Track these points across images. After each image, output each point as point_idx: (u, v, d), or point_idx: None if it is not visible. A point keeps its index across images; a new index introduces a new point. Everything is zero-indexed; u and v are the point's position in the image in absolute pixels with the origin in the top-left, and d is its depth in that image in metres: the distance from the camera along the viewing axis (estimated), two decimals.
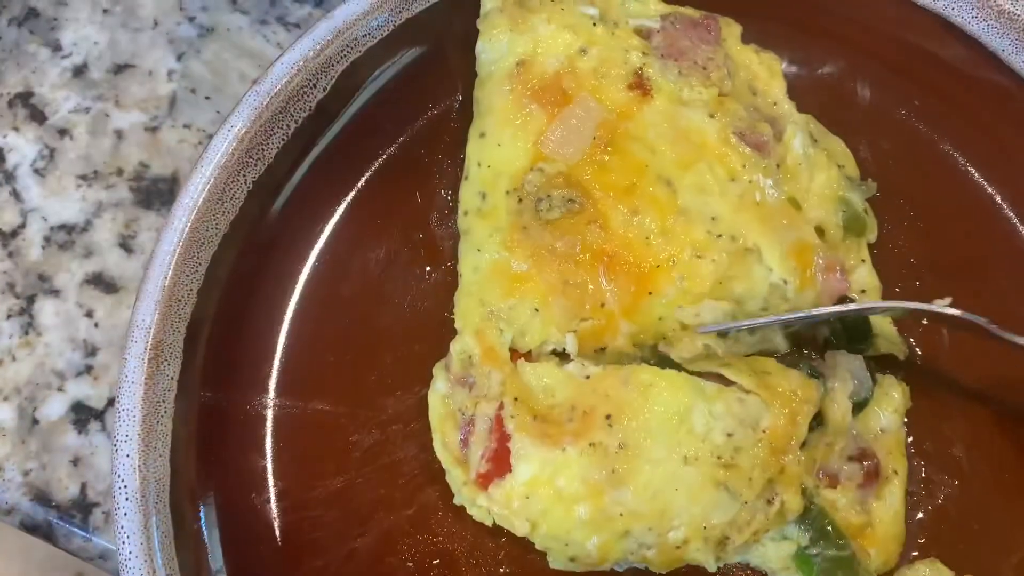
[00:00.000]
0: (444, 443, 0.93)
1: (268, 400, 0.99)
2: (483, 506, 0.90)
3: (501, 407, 0.88)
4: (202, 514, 0.93)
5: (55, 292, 1.07)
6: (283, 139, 0.99)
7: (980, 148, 1.05)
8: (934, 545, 0.97)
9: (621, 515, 0.85)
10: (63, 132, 1.12)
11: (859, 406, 0.94)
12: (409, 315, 1.02)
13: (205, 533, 0.93)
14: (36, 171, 1.11)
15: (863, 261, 1.02)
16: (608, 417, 0.86)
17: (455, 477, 0.92)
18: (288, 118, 0.98)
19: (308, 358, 1.00)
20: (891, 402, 0.96)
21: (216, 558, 0.93)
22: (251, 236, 0.99)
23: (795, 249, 0.95)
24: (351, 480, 0.98)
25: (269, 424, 0.98)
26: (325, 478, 0.98)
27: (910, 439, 0.99)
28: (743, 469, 0.85)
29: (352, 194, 1.04)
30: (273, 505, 0.97)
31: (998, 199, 1.05)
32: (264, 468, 0.97)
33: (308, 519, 0.97)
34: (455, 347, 0.93)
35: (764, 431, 0.86)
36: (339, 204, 1.04)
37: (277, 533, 0.96)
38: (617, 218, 0.93)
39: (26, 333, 1.06)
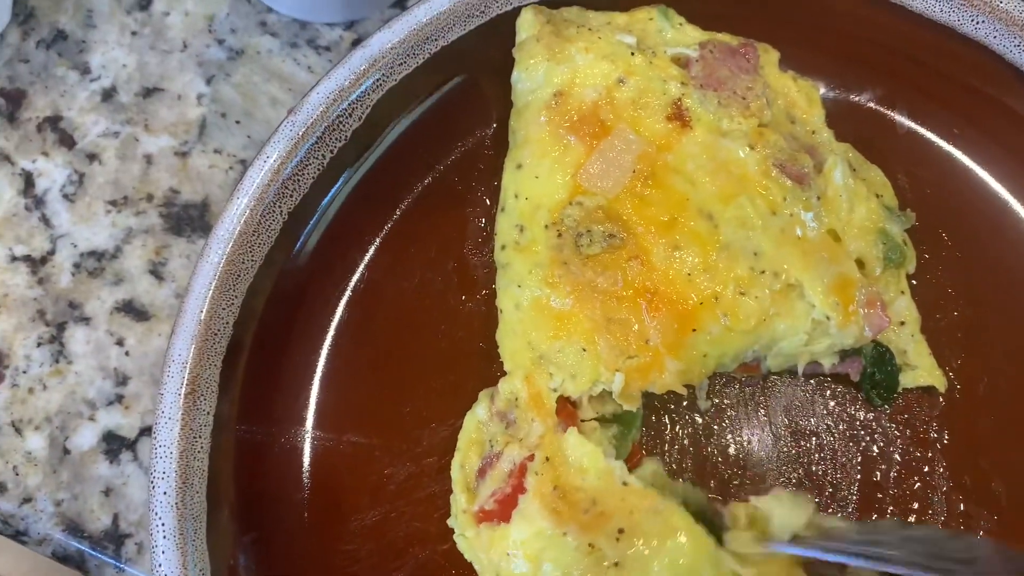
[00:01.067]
0: (462, 465, 0.92)
1: (304, 432, 0.98)
2: (468, 538, 0.89)
3: (531, 458, 0.86)
4: (239, 550, 0.93)
5: (85, 319, 1.07)
6: (319, 169, 0.98)
7: (1020, 179, 1.04)
8: None
9: None
10: (92, 156, 1.11)
11: None
12: (443, 345, 1.02)
13: (242, 570, 0.92)
14: (66, 196, 1.10)
15: (902, 293, 1.01)
16: (620, 531, 0.83)
17: (458, 501, 0.91)
18: (324, 148, 0.97)
19: (343, 389, 1.00)
20: None
21: None
22: (287, 267, 0.98)
23: (837, 284, 0.93)
24: (386, 514, 0.97)
25: (305, 456, 0.98)
26: (360, 511, 0.97)
27: (947, 473, 0.99)
28: None
29: (388, 224, 1.03)
30: (309, 539, 0.96)
31: None
32: (300, 500, 0.97)
33: (343, 553, 0.96)
34: (503, 386, 0.91)
35: None
36: (375, 235, 1.03)
37: (313, 568, 0.95)
38: (658, 253, 0.92)
39: (56, 361, 1.05)
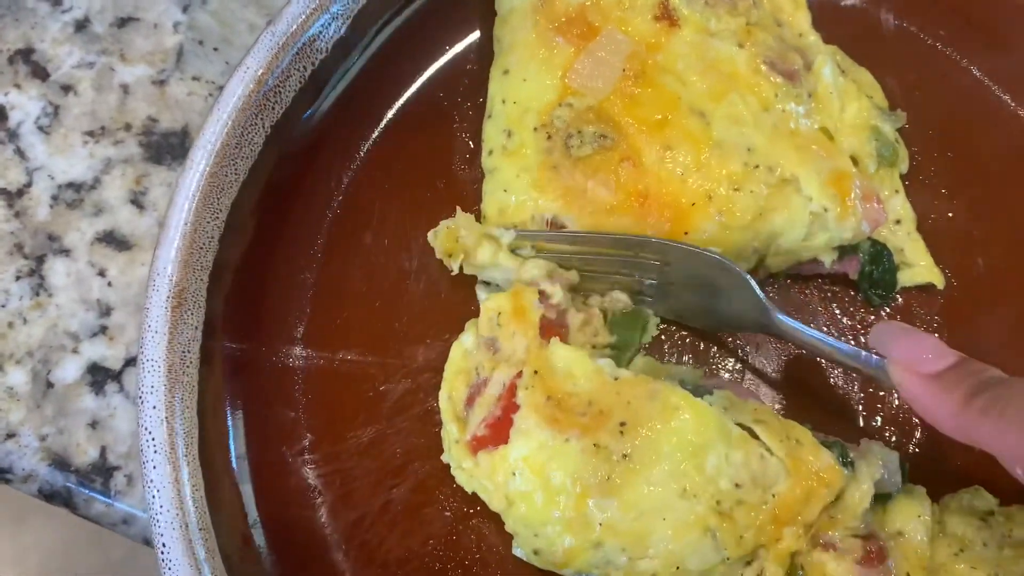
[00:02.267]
0: (450, 395, 0.90)
1: (295, 350, 0.96)
2: (467, 469, 0.87)
3: (519, 375, 0.84)
4: (234, 467, 0.90)
5: (65, 252, 1.04)
6: (300, 82, 0.95)
7: (1011, 74, 1.04)
8: (980, 477, 0.95)
9: (600, 525, 0.80)
10: (67, 88, 1.08)
11: (881, 499, 0.88)
12: (435, 262, 0.99)
13: (237, 487, 0.90)
14: (40, 129, 1.07)
15: (896, 192, 1.00)
16: (622, 424, 0.81)
17: (449, 432, 0.89)
18: (304, 60, 0.95)
19: (334, 308, 0.97)
20: (916, 509, 0.88)
21: (251, 512, 0.90)
22: (270, 183, 0.95)
23: (833, 177, 0.92)
24: (383, 431, 0.95)
25: (297, 375, 0.95)
26: (356, 429, 0.95)
27: None
28: (738, 524, 0.80)
29: (371, 140, 1.01)
30: (305, 458, 0.94)
31: None
32: (294, 420, 0.94)
33: (341, 472, 0.94)
34: (487, 304, 0.89)
35: (774, 496, 0.81)
36: (359, 150, 1.01)
37: (311, 486, 0.93)
38: (651, 154, 0.90)
39: (36, 295, 1.02)
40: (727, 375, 0.98)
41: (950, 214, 1.02)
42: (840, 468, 0.84)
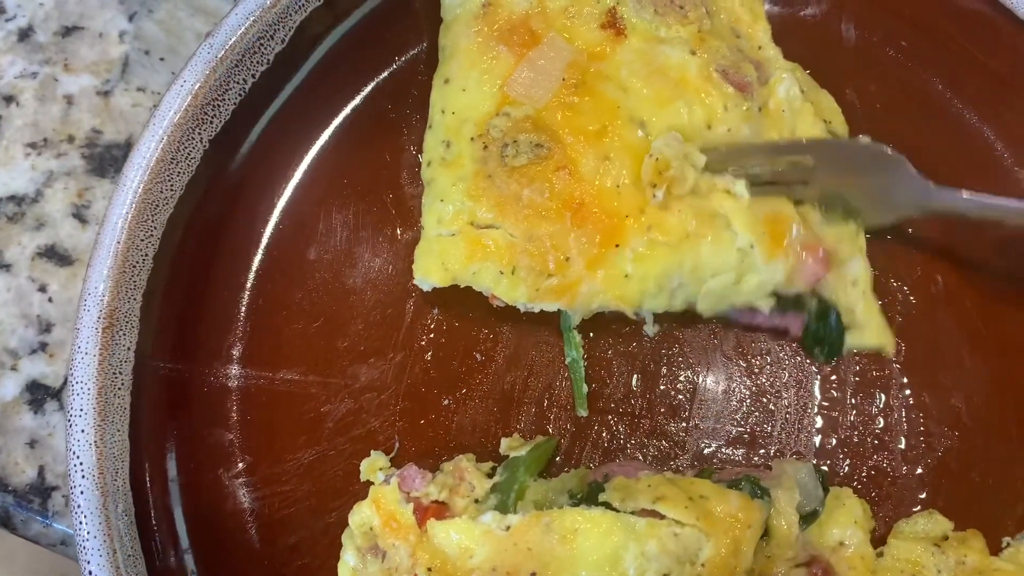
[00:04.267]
0: None
1: (233, 370, 0.94)
2: None
3: None
4: (167, 491, 0.88)
5: (5, 266, 1.02)
6: (240, 94, 0.93)
7: (972, 87, 1.01)
8: (935, 500, 0.94)
9: None
10: (9, 99, 1.06)
11: (809, 518, 0.87)
12: (380, 279, 0.98)
13: (170, 511, 0.88)
14: None
15: (860, 251, 0.96)
16: (533, 574, 0.79)
17: None
18: (244, 72, 0.93)
19: (274, 326, 0.95)
20: (849, 514, 0.88)
21: (183, 537, 0.88)
22: (209, 198, 0.93)
23: (769, 216, 0.89)
24: (323, 452, 0.93)
25: (235, 396, 0.93)
26: (296, 451, 0.93)
27: (908, 392, 0.96)
28: None
29: (315, 151, 0.99)
30: (242, 480, 0.92)
31: (991, 138, 1.01)
32: (231, 442, 0.92)
33: (280, 494, 0.92)
34: (353, 519, 0.86)
35: (703, 565, 0.79)
36: (301, 162, 0.99)
37: (248, 510, 0.91)
38: (587, 164, 0.88)
39: None
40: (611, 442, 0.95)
41: (909, 230, 1.00)
42: (755, 501, 0.82)
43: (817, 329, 0.95)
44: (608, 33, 0.91)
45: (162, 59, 1.08)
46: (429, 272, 0.87)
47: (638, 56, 0.91)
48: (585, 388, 0.95)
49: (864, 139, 0.92)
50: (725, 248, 0.87)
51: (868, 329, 0.96)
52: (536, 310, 0.90)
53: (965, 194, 0.89)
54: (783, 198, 0.91)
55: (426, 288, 0.92)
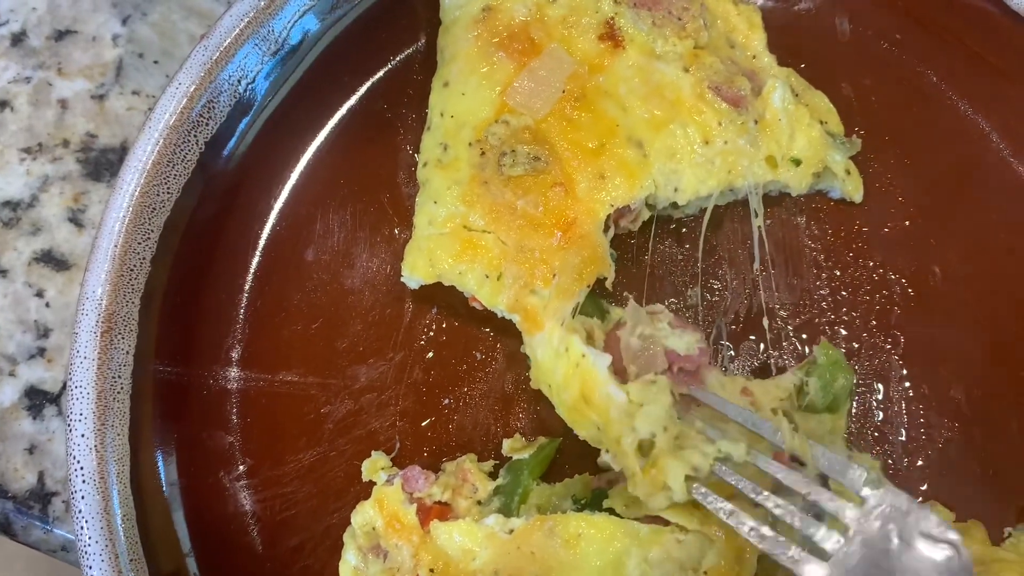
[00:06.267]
0: None
1: (232, 373, 0.94)
2: None
3: None
4: (167, 495, 0.88)
5: (2, 272, 1.01)
6: (235, 96, 0.93)
7: (967, 79, 1.02)
8: (936, 491, 0.93)
9: None
10: (3, 104, 1.06)
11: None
12: (379, 279, 0.97)
13: (171, 515, 0.88)
14: None
15: (840, 430, 0.92)
16: None
17: None
18: (240, 73, 0.93)
19: (273, 328, 0.95)
20: None
21: (184, 541, 0.88)
22: (206, 200, 0.93)
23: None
24: (324, 453, 0.93)
25: (235, 398, 0.93)
26: (297, 452, 0.93)
27: (907, 384, 0.96)
28: None
29: (311, 152, 0.99)
30: (243, 483, 0.91)
31: (987, 130, 1.01)
32: (231, 445, 0.92)
33: (281, 496, 0.91)
34: (356, 519, 0.86)
35: (706, 572, 0.79)
36: (297, 163, 0.98)
37: (249, 512, 0.91)
38: (583, 182, 0.88)
39: None
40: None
41: (907, 222, 1.00)
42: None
43: None
44: (606, 45, 0.92)
45: (156, 62, 1.07)
46: (415, 269, 0.87)
47: (636, 72, 0.91)
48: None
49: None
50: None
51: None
52: (515, 321, 0.89)
53: None
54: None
55: (413, 286, 0.92)
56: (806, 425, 0.88)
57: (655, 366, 0.84)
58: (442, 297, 0.94)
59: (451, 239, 0.87)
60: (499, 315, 0.90)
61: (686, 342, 0.87)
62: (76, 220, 1.03)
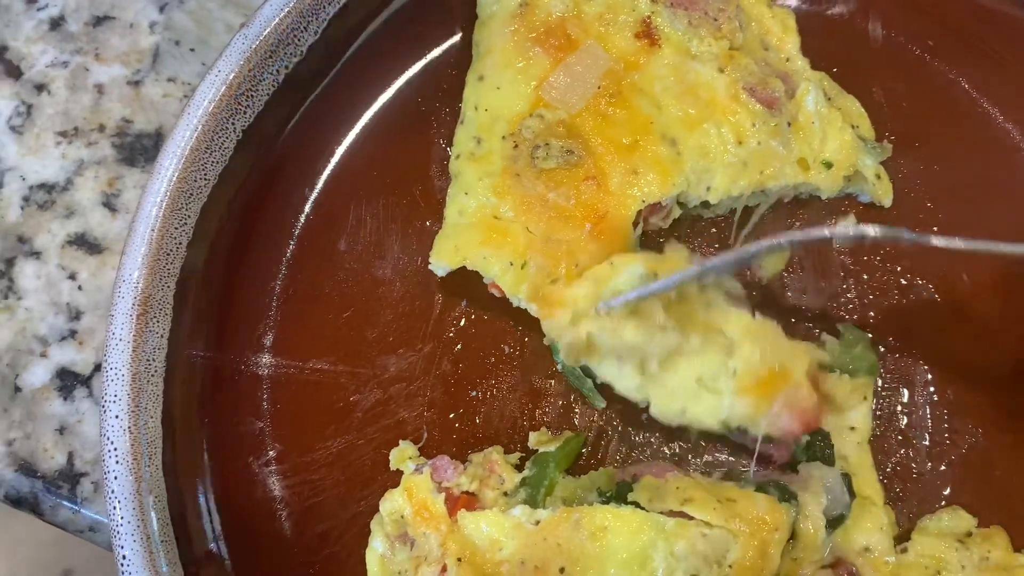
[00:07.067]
0: None
1: (264, 359, 0.94)
2: None
3: (444, 569, 0.82)
4: (198, 478, 0.89)
5: (36, 254, 1.02)
6: (273, 85, 0.94)
7: (999, 87, 1.02)
8: (959, 496, 0.94)
9: None
10: (40, 87, 1.07)
11: (835, 522, 0.87)
12: (409, 270, 0.98)
13: (201, 498, 0.89)
14: (12, 128, 1.05)
15: (864, 399, 0.93)
16: (562, 570, 0.79)
17: None
18: (278, 63, 0.93)
19: (305, 315, 0.96)
20: (875, 521, 0.88)
21: (214, 524, 0.88)
22: (242, 188, 0.94)
23: (771, 366, 0.85)
24: (352, 441, 0.93)
25: (266, 384, 0.94)
26: (325, 440, 0.93)
27: (932, 388, 0.96)
28: None
29: (346, 143, 1.00)
30: (272, 469, 0.92)
31: (1017, 138, 1.01)
32: (261, 430, 0.93)
33: (309, 483, 0.92)
34: (384, 507, 0.87)
35: (731, 566, 0.79)
36: (333, 154, 0.99)
37: (277, 498, 0.92)
38: (615, 177, 0.88)
39: (5, 297, 1.01)
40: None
41: (935, 228, 1.00)
42: (783, 505, 0.83)
43: (807, 460, 0.91)
44: (643, 43, 0.92)
45: (192, 50, 1.08)
46: (442, 254, 0.88)
47: (671, 71, 0.91)
48: (590, 381, 0.93)
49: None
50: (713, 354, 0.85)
51: (860, 477, 0.92)
52: (531, 311, 0.89)
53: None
54: (801, 349, 0.89)
55: (440, 273, 0.92)
56: (824, 385, 0.89)
57: None
58: (471, 290, 0.95)
59: (479, 227, 0.88)
60: (515, 304, 0.90)
61: None
62: (110, 204, 1.04)
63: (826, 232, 0.80)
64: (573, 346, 0.85)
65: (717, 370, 0.85)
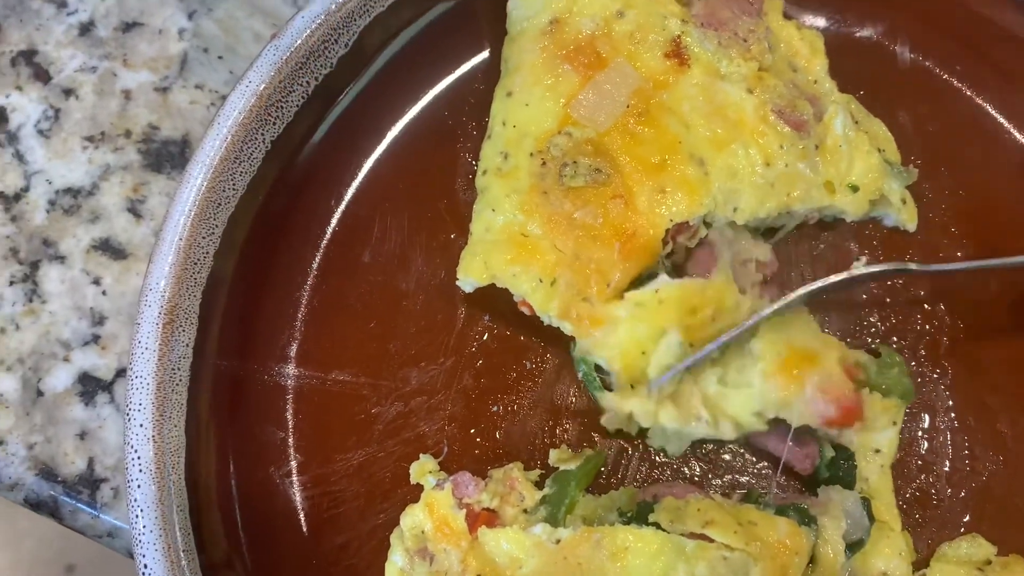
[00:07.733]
0: None
1: (287, 370, 0.95)
2: None
3: None
4: (220, 488, 0.89)
5: (60, 258, 1.03)
6: (303, 97, 0.94)
7: None
8: (978, 524, 0.94)
9: None
10: (68, 92, 1.07)
11: (855, 546, 0.87)
12: (433, 284, 0.98)
13: (223, 507, 0.89)
14: (40, 132, 1.06)
15: (894, 424, 0.93)
16: None
17: None
18: (308, 75, 0.94)
19: (328, 326, 0.96)
20: (894, 546, 0.88)
21: (236, 533, 0.89)
22: (269, 198, 0.94)
23: (799, 348, 0.88)
24: (373, 454, 0.94)
25: (288, 395, 0.94)
26: (346, 452, 0.93)
27: (953, 415, 0.96)
28: None
29: (374, 156, 1.00)
30: (293, 479, 0.92)
31: None
32: (283, 441, 0.93)
33: (329, 494, 0.92)
34: (405, 521, 0.87)
35: None
36: (360, 167, 0.99)
37: (298, 508, 0.92)
38: (643, 196, 0.88)
39: (30, 301, 1.01)
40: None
41: (959, 253, 1.00)
42: (803, 529, 0.82)
43: (828, 478, 0.92)
44: (672, 63, 0.92)
45: (220, 57, 1.09)
46: (470, 271, 0.88)
47: (700, 91, 0.91)
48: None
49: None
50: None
51: (878, 501, 0.92)
52: (564, 329, 0.89)
53: None
54: (833, 341, 0.91)
55: (467, 289, 0.92)
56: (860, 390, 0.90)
57: None
58: (494, 305, 0.95)
59: (507, 244, 0.88)
60: (546, 322, 0.90)
61: None
62: (135, 210, 1.04)
63: (844, 276, 0.87)
64: (613, 420, 0.88)
65: (742, 362, 0.86)
